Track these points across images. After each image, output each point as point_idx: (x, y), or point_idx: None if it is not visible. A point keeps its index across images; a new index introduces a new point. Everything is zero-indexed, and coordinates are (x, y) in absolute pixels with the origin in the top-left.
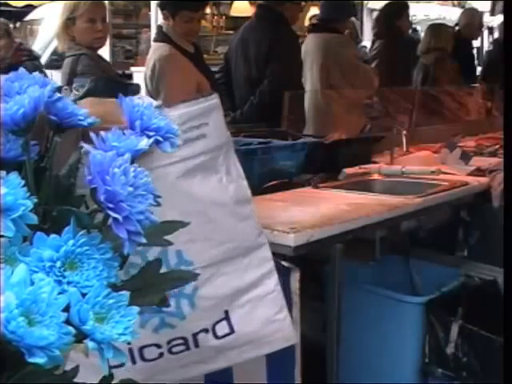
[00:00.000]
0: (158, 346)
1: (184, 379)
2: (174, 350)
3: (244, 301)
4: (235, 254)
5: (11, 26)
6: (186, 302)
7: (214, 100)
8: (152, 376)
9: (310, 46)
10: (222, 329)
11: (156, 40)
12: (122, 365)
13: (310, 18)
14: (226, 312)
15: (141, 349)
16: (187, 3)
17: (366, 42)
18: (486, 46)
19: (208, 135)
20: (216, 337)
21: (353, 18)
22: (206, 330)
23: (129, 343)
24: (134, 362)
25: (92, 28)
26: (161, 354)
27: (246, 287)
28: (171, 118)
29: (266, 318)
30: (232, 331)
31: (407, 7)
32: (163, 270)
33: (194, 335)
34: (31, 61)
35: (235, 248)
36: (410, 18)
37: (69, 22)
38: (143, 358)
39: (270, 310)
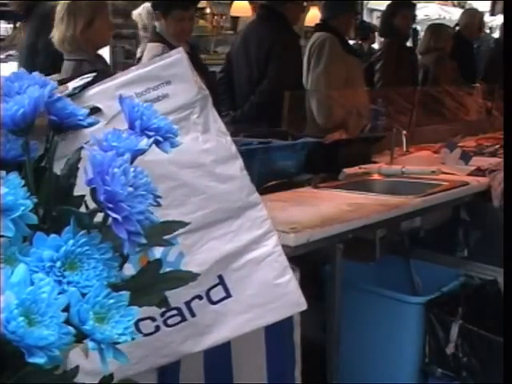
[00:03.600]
0: (153, 319)
1: (192, 352)
2: (170, 322)
3: (239, 264)
4: (222, 216)
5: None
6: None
7: (177, 55)
8: (156, 351)
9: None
10: (217, 293)
11: (151, 40)
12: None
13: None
14: (220, 277)
15: (136, 323)
16: (178, 2)
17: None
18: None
19: (172, 94)
20: (211, 302)
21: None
22: (199, 297)
23: None
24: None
25: (108, 27)
26: (157, 328)
27: (239, 251)
28: (122, 83)
29: (266, 281)
30: (228, 295)
31: (406, 6)
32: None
33: (187, 303)
34: None
35: (220, 211)
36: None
37: (87, 24)
38: (141, 332)
39: (270, 274)
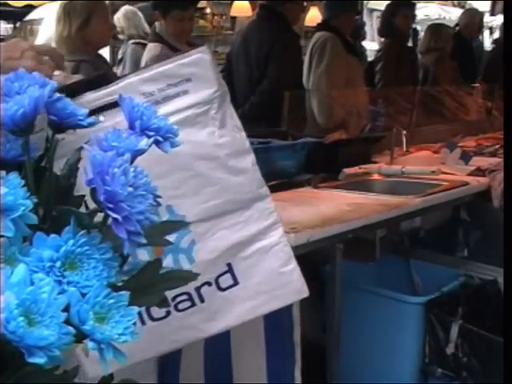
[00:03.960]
0: None
1: (198, 339)
2: (180, 306)
3: (247, 253)
4: (233, 207)
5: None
6: (183, 256)
7: (198, 54)
8: (165, 336)
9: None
10: (226, 281)
11: (151, 41)
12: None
13: None
14: (229, 265)
15: (147, 308)
16: (177, 2)
17: (366, 42)
18: (486, 46)
19: (191, 91)
20: (220, 288)
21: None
22: (208, 283)
23: None
24: (143, 322)
25: (107, 27)
26: (168, 312)
27: (248, 240)
28: (146, 78)
29: (272, 270)
30: (236, 282)
31: (406, 6)
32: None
33: (197, 289)
34: None
35: (231, 202)
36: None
37: (83, 24)
38: (151, 318)
39: (275, 263)
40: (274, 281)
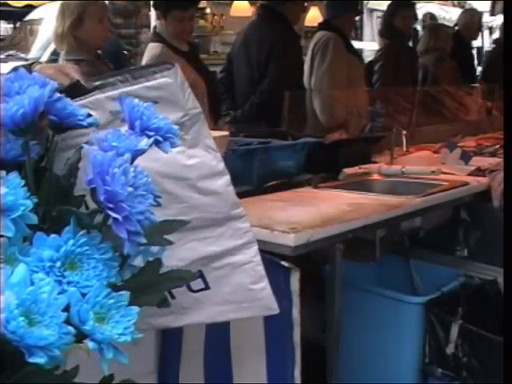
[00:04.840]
0: None
1: (164, 327)
2: None
3: (219, 265)
4: (203, 223)
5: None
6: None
7: (164, 79)
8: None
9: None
10: (197, 284)
11: (151, 40)
12: None
13: None
14: (200, 271)
15: None
16: (177, 2)
17: (366, 42)
18: (486, 46)
19: (159, 112)
20: (191, 290)
21: None
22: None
23: None
24: None
25: (102, 28)
26: None
27: (219, 254)
28: (111, 97)
29: (242, 285)
30: (207, 287)
31: (406, 6)
32: None
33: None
34: None
35: (201, 219)
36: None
37: (76, 23)
38: None
39: (246, 279)
40: (243, 294)
